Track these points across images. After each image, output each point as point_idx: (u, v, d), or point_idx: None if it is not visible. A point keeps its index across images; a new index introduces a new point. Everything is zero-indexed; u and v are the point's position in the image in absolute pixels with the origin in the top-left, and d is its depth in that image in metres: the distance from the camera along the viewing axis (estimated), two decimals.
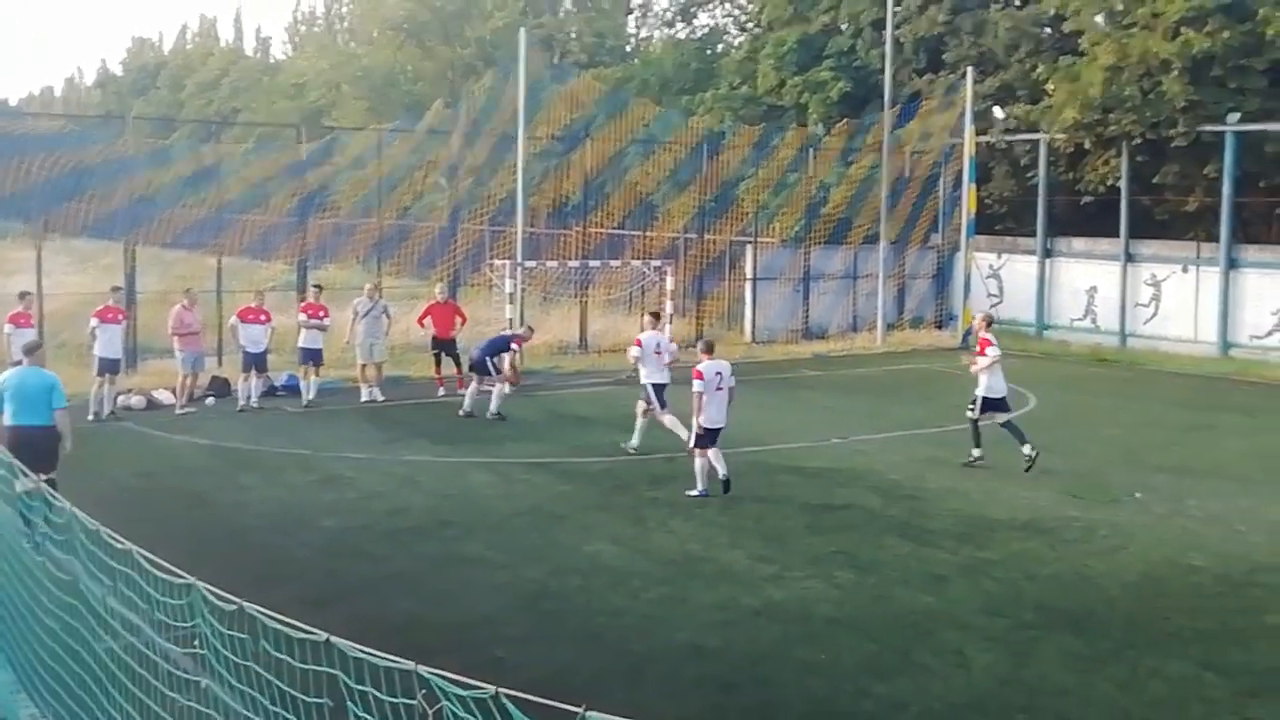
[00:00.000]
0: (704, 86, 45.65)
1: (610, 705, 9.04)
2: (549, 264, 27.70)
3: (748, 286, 32.57)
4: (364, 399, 22.43)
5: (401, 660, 5.66)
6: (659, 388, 17.99)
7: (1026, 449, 17.03)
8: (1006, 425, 17.73)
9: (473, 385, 21.10)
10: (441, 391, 23.14)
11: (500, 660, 9.82)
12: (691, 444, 15.66)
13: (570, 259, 28.66)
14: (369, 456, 17.71)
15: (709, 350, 15.76)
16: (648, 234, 32.42)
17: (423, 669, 5.41)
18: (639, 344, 18.20)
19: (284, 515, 14.50)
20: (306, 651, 6.29)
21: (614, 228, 31.87)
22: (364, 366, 22.71)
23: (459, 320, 23.71)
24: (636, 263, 28.15)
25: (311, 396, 21.88)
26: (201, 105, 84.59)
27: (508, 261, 24.85)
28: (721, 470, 15.33)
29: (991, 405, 17.86)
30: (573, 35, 62.25)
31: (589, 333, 29.76)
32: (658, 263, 27.29)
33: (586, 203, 31.27)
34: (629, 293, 29.40)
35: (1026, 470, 16.82)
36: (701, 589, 11.78)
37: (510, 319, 24.03)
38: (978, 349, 18.17)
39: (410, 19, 59.90)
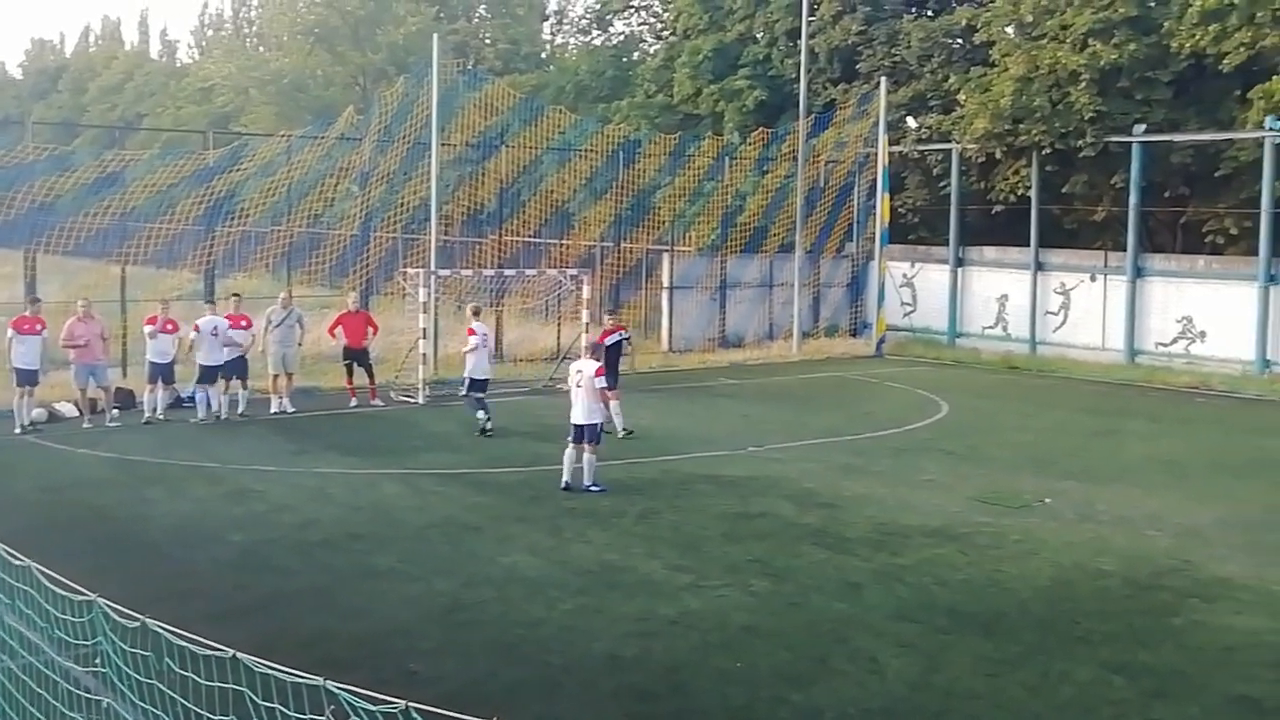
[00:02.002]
0: (620, 94, 45.74)
1: (526, 717, 9.04)
2: (464, 272, 27.47)
3: (664, 295, 32.61)
4: (274, 410, 22.08)
5: (310, 675, 5.54)
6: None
7: (485, 419, 20.15)
8: (480, 402, 20.49)
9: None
10: (354, 402, 22.86)
11: (413, 674, 9.68)
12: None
13: (485, 267, 28.46)
14: (278, 469, 17.41)
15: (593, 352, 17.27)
16: (564, 242, 32.32)
17: (331, 684, 5.30)
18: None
19: (190, 529, 14.18)
20: (212, 668, 6.14)
21: (530, 236, 31.74)
22: (276, 377, 22.35)
23: (371, 330, 23.49)
24: (553, 271, 28.03)
25: (243, 409, 21.67)
26: (105, 110, 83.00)
27: (421, 270, 24.61)
28: (570, 476, 16.13)
29: (477, 385, 20.72)
30: (487, 42, 62.10)
31: (505, 342, 29.58)
32: (574, 271, 27.19)
33: (502, 211, 31.11)
34: (545, 301, 29.28)
35: (485, 434, 19.91)
36: (619, 599, 11.72)
37: (424, 329, 23.77)
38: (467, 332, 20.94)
39: (321, 23, 59.26)
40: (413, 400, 23.51)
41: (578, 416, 16.30)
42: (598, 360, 16.86)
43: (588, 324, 26.24)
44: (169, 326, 21.33)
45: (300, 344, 23.04)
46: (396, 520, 14.70)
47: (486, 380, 21.13)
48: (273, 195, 27.72)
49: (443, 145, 27.61)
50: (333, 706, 5.28)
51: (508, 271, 28.03)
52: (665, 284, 32.58)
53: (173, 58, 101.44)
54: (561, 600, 11.63)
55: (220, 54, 76.19)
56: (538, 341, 29.89)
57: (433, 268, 25.79)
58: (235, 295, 23.01)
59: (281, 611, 11.27)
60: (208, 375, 21.28)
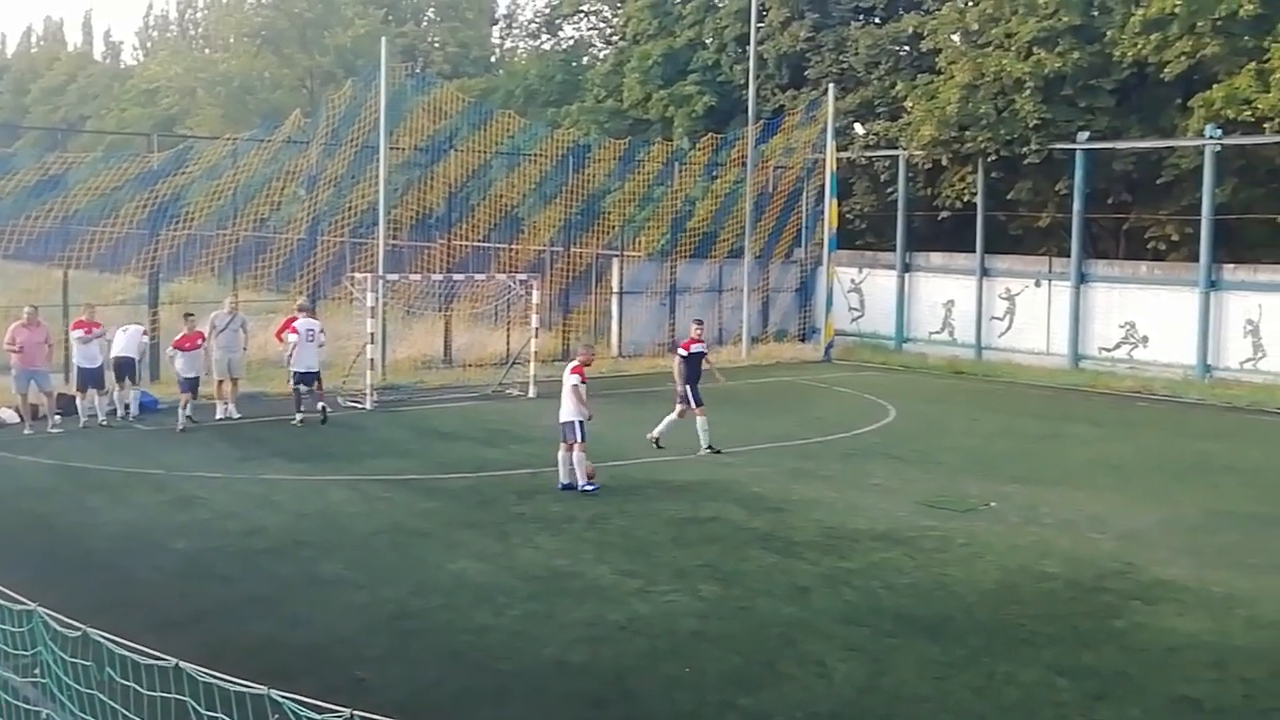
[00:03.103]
0: (569, 99, 45.70)
1: None
2: (412, 277, 27.35)
3: (614, 300, 32.63)
4: (219, 416, 21.87)
5: (254, 684, 5.49)
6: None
7: (298, 418, 21.13)
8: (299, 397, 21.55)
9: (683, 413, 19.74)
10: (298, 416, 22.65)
11: (360, 682, 9.61)
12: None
13: (434, 272, 28.34)
14: (223, 475, 17.22)
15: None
16: (513, 247, 32.25)
17: (275, 692, 5.26)
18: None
19: (133, 537, 14.00)
20: (155, 678, 6.07)
21: (479, 240, 31.63)
22: (220, 383, 22.14)
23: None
24: (502, 276, 27.97)
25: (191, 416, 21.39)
26: (47, 112, 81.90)
27: (369, 275, 24.46)
28: (566, 475, 16.46)
29: (300, 378, 21.58)
30: (436, 45, 61.82)
31: (454, 347, 29.49)
32: (524, 276, 27.15)
33: (451, 215, 30.99)
34: (494, 306, 29.21)
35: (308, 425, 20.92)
36: (568, 604, 11.70)
37: (371, 334, 23.63)
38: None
39: (268, 26, 58.77)
40: (360, 406, 23.36)
41: (560, 416, 16.68)
42: (586, 363, 17.12)
43: (537, 329, 26.22)
44: (95, 330, 21.10)
45: (245, 348, 22.85)
46: (343, 527, 14.59)
47: (311, 374, 21.69)
48: (218, 198, 27.45)
49: (391, 149, 27.49)
50: (277, 715, 5.24)
51: (457, 276, 27.93)
52: (615, 289, 32.61)
53: (117, 59, 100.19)
54: (510, 606, 11.59)
55: (165, 56, 75.46)
56: (487, 346, 29.80)
57: (381, 272, 25.64)
58: (189, 315, 22.71)
59: (226, 620, 11.14)
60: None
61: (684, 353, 19.95)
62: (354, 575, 12.54)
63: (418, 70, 49.32)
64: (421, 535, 14.24)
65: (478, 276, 28.22)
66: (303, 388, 21.68)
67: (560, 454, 16.71)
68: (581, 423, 16.58)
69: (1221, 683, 9.97)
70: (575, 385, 16.71)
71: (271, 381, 24.48)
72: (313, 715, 4.93)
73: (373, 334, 23.83)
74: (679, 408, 19.63)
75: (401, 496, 16.27)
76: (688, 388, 19.52)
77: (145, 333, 22.66)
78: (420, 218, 32.40)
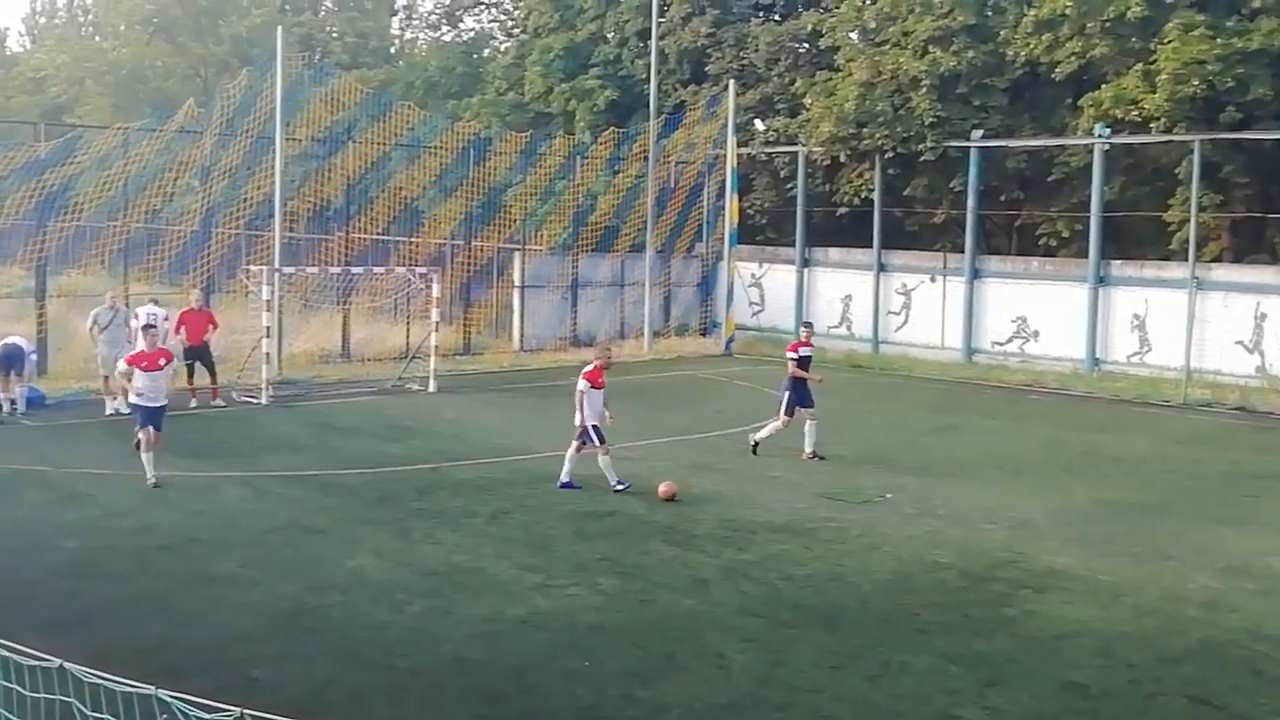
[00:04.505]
0: (470, 91, 45.41)
1: None
2: (309, 270, 26.97)
3: (516, 294, 32.51)
4: (108, 412, 21.38)
5: (141, 684, 5.39)
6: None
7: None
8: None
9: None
10: (194, 403, 22.25)
11: (255, 680, 9.47)
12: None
13: (332, 265, 27.97)
14: (114, 472, 16.81)
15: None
16: (413, 240, 31.95)
17: (163, 692, 5.17)
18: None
19: (20, 536, 13.62)
20: (39, 679, 5.92)
21: (378, 233, 31.29)
22: (107, 378, 21.64)
23: (211, 327, 22.97)
24: (402, 269, 27.71)
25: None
26: None
27: (265, 267, 24.07)
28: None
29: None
30: (334, 35, 61.02)
31: (352, 341, 29.14)
32: (424, 269, 26.92)
33: (349, 207, 30.60)
34: (394, 300, 28.92)
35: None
36: (467, 600, 11.64)
37: (267, 327, 23.25)
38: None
39: (160, 13, 57.62)
40: (256, 400, 23.00)
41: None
42: (603, 366, 16.77)
43: (438, 323, 26.03)
44: None
45: (131, 342, 22.35)
46: (238, 524, 14.35)
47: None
48: (109, 189, 26.77)
49: (288, 140, 27.04)
50: (165, 716, 5.15)
51: (355, 269, 27.62)
52: (516, 283, 32.49)
53: (2, 46, 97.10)
54: (408, 603, 11.50)
55: (53, 43, 73.32)
56: (386, 341, 29.50)
57: (277, 265, 25.24)
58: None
59: (117, 620, 10.91)
60: None
61: (794, 355, 19.30)
62: (249, 573, 12.35)
63: (315, 60, 48.66)
64: (318, 532, 14.06)
65: (377, 270, 27.93)
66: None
67: (569, 453, 16.60)
68: (595, 426, 16.33)
69: (1108, 668, 10.24)
70: (579, 390, 16.45)
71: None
72: (202, 715, 4.85)
73: (269, 328, 23.44)
74: (809, 412, 18.98)
75: (298, 493, 16.05)
76: (788, 393, 19.02)
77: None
78: (318, 210, 31.94)
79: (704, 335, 35.69)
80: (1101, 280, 29.49)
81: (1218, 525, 15.34)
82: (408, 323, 29.20)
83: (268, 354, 23.52)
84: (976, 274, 31.77)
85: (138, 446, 16.29)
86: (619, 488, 16.18)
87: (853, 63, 33.35)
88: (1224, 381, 26.78)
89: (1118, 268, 29.73)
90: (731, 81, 35.15)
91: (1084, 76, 30.95)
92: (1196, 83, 27.26)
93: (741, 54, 38.28)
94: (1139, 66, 28.94)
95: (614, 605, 11.64)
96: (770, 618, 11.33)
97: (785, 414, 19.05)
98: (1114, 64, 29.87)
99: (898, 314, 33.36)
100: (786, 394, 19.14)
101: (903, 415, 24.08)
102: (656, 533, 14.32)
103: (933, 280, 32.76)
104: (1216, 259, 29.61)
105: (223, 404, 22.71)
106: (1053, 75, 30.98)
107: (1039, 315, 30.72)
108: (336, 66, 44.30)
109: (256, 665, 9.83)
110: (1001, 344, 31.34)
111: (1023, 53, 31.07)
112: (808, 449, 18.93)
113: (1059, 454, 20.33)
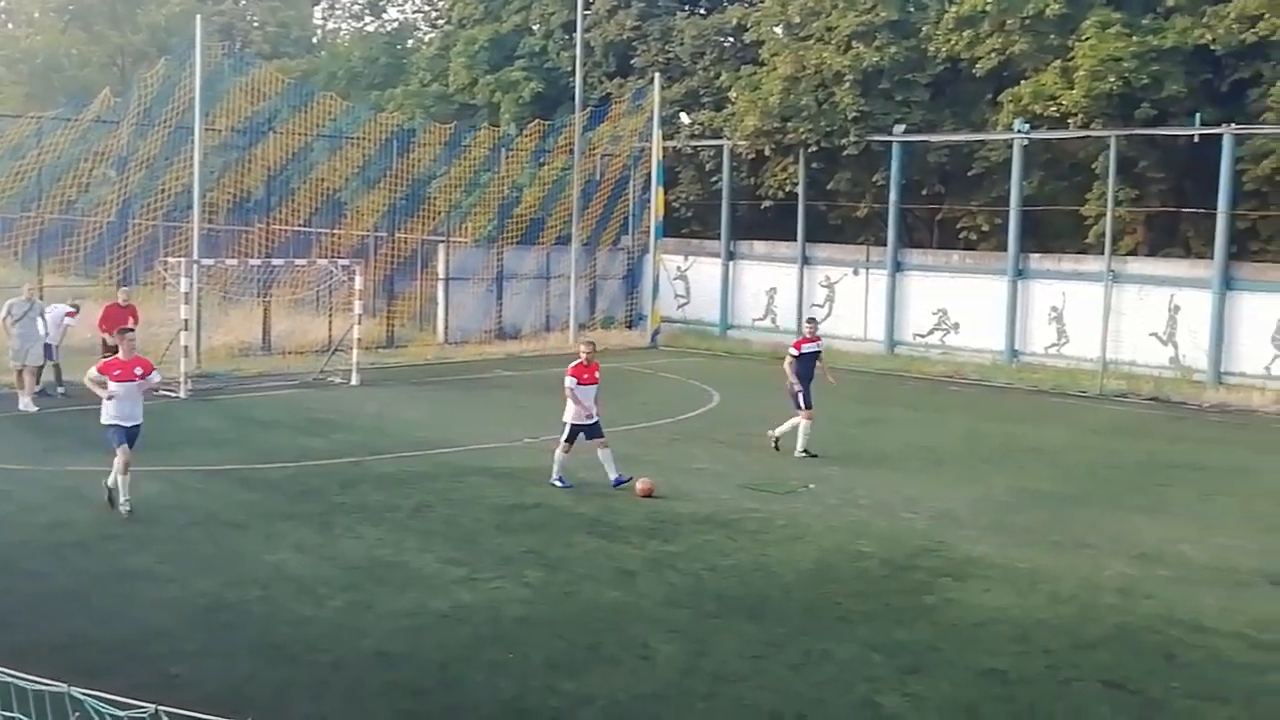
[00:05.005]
0: (394, 82, 45.05)
1: (292, 717, 8.80)
2: (229, 262, 26.59)
3: (440, 286, 32.30)
4: (21, 407, 20.92)
5: (54, 682, 5.28)
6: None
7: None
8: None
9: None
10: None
11: (174, 677, 9.32)
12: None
13: (252, 257, 27.59)
14: (28, 467, 16.49)
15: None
16: (336, 232, 31.64)
17: (76, 690, 5.06)
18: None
19: None
20: None
21: (300, 225, 30.92)
22: (20, 372, 21.18)
23: (131, 321, 22.53)
24: (324, 261, 27.41)
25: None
26: None
27: (183, 259, 23.68)
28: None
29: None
30: (255, 24, 60.13)
31: (273, 334, 28.77)
32: (346, 261, 26.66)
33: (270, 199, 30.21)
34: (316, 292, 28.61)
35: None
36: (390, 594, 11.55)
37: (185, 320, 22.88)
38: None
39: (76, 1, 56.36)
40: (174, 394, 22.62)
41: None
42: (585, 362, 16.31)
43: (360, 315, 25.79)
44: None
45: (48, 334, 21.92)
46: (155, 519, 14.10)
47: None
48: (22, 180, 26.21)
49: (207, 130, 26.64)
50: (78, 714, 5.05)
51: (276, 261, 27.27)
52: (441, 275, 32.27)
53: None
54: (330, 597, 11.38)
55: None
56: (308, 333, 29.17)
57: (196, 257, 24.85)
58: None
59: (32, 617, 10.67)
60: None
61: (795, 352, 19.06)
62: (166, 569, 12.14)
63: (236, 50, 47.92)
64: (238, 527, 13.87)
65: (298, 262, 27.60)
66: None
67: (557, 453, 16.44)
68: (573, 424, 16.13)
69: (1025, 655, 10.41)
70: (567, 386, 16.27)
71: (79, 370, 23.45)
72: (115, 712, 4.76)
73: (187, 320, 23.08)
74: (806, 412, 18.73)
75: (217, 487, 15.82)
76: (800, 390, 18.73)
77: None
78: (238, 201, 31.51)
79: (630, 328, 35.73)
80: (1020, 273, 29.95)
81: (1133, 514, 15.65)
82: (330, 315, 28.89)
83: (186, 347, 23.16)
84: (899, 267, 32.11)
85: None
86: (620, 482, 16.05)
87: (777, 57, 33.54)
88: (1139, 372, 27.34)
89: (1036, 261, 30.21)
90: (657, 75, 35.19)
91: (1004, 73, 31.39)
92: (1113, 79, 27.78)
93: (667, 47, 38.34)
94: (1057, 63, 29.42)
95: (539, 598, 11.61)
96: (695, 608, 11.38)
97: (805, 407, 18.69)
98: (1033, 60, 30.33)
99: (821, 306, 33.59)
100: (798, 389, 18.79)
101: (826, 407, 24.15)
102: (582, 525, 14.30)
103: (856, 273, 33.06)
104: (1132, 252, 30.20)
105: None
106: (973, 71, 31.38)
107: (959, 308, 31.13)
108: (257, 56, 43.75)
109: (175, 661, 9.68)
110: (923, 336, 31.72)
111: (944, 49, 31.45)
112: (800, 446, 18.70)
113: (979, 445, 20.62)
